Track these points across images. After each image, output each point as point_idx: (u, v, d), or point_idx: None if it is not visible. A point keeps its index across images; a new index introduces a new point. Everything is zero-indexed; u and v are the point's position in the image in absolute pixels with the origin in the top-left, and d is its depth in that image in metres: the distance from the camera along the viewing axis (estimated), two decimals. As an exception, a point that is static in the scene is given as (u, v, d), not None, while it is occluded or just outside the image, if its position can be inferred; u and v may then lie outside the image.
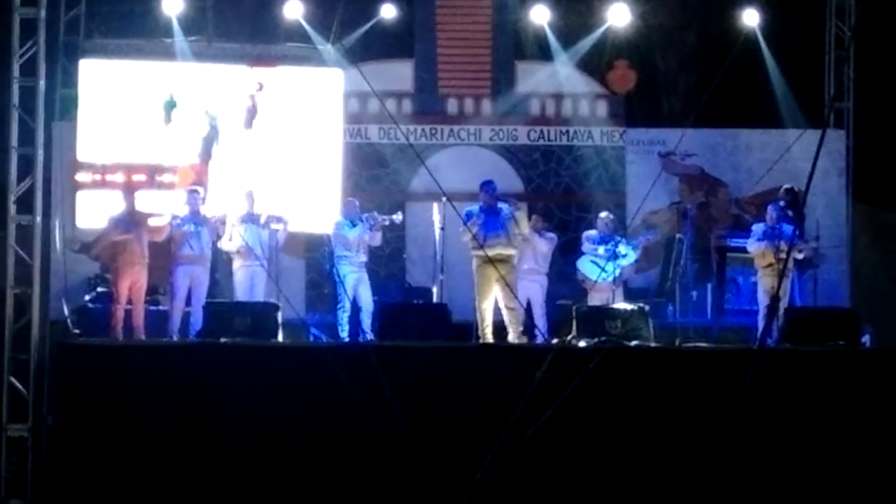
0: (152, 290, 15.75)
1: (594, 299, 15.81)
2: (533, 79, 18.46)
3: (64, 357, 14.21)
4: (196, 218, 15.47)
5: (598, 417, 13.61)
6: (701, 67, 18.77)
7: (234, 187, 16.69)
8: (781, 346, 14.65)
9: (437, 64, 18.53)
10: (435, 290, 16.01)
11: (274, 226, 15.79)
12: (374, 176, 18.29)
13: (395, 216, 16.25)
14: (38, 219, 14.90)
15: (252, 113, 17.48)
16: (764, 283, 15.66)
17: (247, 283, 15.59)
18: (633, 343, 14.59)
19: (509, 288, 15.13)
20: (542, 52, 18.42)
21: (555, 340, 15.04)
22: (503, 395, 13.16)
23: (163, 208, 15.88)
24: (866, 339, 15.51)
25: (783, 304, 15.29)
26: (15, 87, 14.88)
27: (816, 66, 18.29)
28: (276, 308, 14.78)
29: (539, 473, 13.78)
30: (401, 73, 18.46)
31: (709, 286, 17.59)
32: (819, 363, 14.31)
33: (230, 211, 15.95)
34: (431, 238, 15.95)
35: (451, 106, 18.51)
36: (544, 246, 16.17)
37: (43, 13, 14.88)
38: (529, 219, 16.08)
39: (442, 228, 15.79)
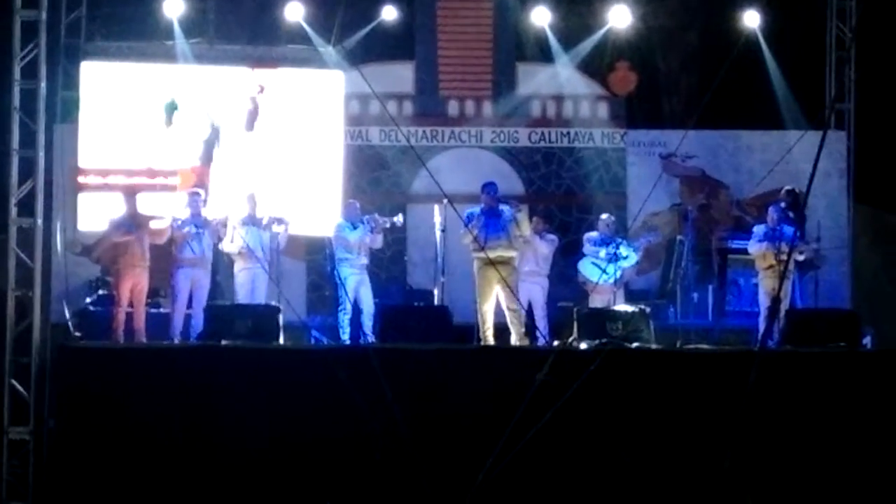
0: (153, 293, 15.75)
1: (595, 301, 15.81)
2: (534, 80, 18.46)
3: (65, 360, 14.21)
4: (197, 220, 15.47)
5: (600, 419, 13.62)
6: (702, 69, 18.74)
7: (235, 190, 16.69)
8: (782, 348, 14.65)
9: (437, 66, 18.54)
10: (436, 292, 16.01)
11: (275, 228, 15.79)
12: (375, 178, 18.29)
13: (395, 218, 16.24)
14: (40, 221, 14.89)
15: (253, 115, 17.47)
16: (765, 284, 15.66)
17: (248, 285, 15.59)
18: (634, 345, 14.58)
19: (511, 289, 15.13)
20: (543, 54, 18.42)
21: (556, 342, 15.03)
22: (504, 397, 13.17)
23: (164, 211, 15.88)
24: (867, 340, 15.50)
25: (784, 306, 15.29)
26: (16, 90, 14.86)
27: (817, 68, 18.28)
28: (277, 310, 14.78)
29: (540, 475, 13.78)
30: (401, 75, 18.46)
31: (710, 288, 17.59)
32: (820, 365, 14.30)
33: (231, 213, 15.96)
34: (432, 240, 15.95)
35: (452, 108, 18.51)
36: (545, 248, 16.16)
37: (44, 15, 14.86)
38: (531, 221, 16.07)
39: (443, 230, 15.79)
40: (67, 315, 15.56)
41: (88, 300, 16.12)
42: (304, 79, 17.61)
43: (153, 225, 15.35)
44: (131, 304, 15.08)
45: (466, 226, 15.10)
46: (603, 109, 18.57)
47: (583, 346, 14.54)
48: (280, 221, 15.84)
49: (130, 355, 14.34)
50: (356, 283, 15.80)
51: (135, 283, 15.06)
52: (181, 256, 15.35)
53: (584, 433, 13.70)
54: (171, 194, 16.80)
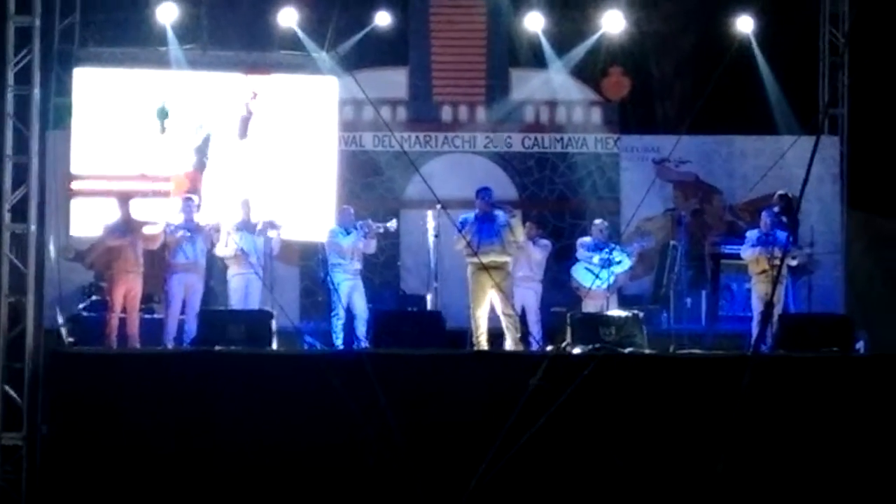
0: (147, 299, 15.74)
1: (588, 306, 15.83)
2: (527, 86, 18.49)
3: (58, 366, 14.18)
4: (190, 226, 15.48)
5: (593, 425, 13.61)
6: (695, 74, 18.76)
7: (228, 195, 16.69)
8: (776, 353, 14.65)
9: (431, 71, 18.56)
10: (429, 297, 16.03)
11: (269, 233, 15.79)
12: (369, 183, 18.30)
13: (389, 224, 16.25)
14: (33, 227, 14.83)
15: (247, 121, 17.47)
16: (758, 289, 15.67)
17: (241, 291, 15.60)
18: (628, 350, 14.60)
19: (505, 295, 15.13)
20: (537, 60, 18.44)
21: (549, 347, 15.04)
22: (498, 403, 13.18)
23: (157, 216, 15.88)
24: (860, 345, 15.53)
25: (777, 311, 15.30)
26: (9, 96, 14.81)
27: (810, 73, 18.32)
28: (270, 316, 14.79)
29: (534, 481, 13.76)
30: (395, 81, 18.47)
31: (703, 293, 17.61)
32: (813, 370, 14.31)
33: (224, 219, 15.95)
34: (426, 245, 15.97)
35: (446, 113, 18.53)
36: (538, 253, 16.17)
37: (38, 21, 14.81)
38: (524, 226, 16.07)
39: (436, 236, 15.80)
40: (61, 321, 15.52)
41: (82, 306, 16.10)
42: (297, 84, 17.61)
43: (146, 230, 15.35)
44: (125, 310, 15.06)
45: (460, 231, 15.10)
46: (596, 115, 18.60)
47: (576, 351, 14.55)
48: (273, 225, 15.85)
49: (124, 361, 14.33)
50: (349, 289, 15.80)
51: (128, 289, 15.06)
52: (174, 262, 15.36)
53: (577, 438, 13.68)
54: (164, 200, 16.79)
